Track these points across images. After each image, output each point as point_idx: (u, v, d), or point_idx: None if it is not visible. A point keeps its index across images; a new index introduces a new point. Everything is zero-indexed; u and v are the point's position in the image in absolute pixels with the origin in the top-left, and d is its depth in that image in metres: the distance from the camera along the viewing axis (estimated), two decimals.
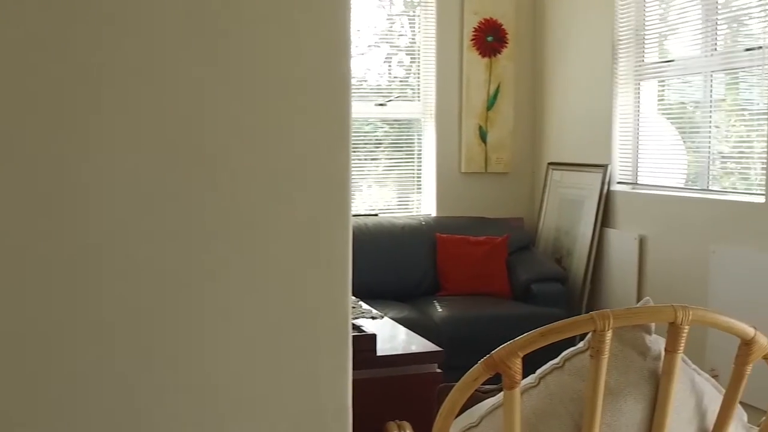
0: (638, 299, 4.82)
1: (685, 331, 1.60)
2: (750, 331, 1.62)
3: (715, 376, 1.86)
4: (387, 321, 3.24)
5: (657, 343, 1.71)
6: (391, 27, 6.05)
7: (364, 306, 3.47)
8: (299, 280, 1.00)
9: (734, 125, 4.42)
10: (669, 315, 1.59)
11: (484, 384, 1.67)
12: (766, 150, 3.88)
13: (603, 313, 1.58)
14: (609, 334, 1.58)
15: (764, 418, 1.82)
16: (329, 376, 1.01)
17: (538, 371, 1.73)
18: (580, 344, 1.75)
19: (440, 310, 4.96)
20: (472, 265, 5.35)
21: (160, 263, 0.95)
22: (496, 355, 1.59)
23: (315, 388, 1.01)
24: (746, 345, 1.64)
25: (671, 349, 1.62)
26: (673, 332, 1.60)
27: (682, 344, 1.61)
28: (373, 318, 3.25)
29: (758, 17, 4.05)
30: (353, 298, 3.65)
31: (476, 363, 1.62)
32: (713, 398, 1.74)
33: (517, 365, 1.59)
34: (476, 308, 5.02)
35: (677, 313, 1.58)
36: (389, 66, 6.07)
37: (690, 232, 4.38)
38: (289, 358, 1.00)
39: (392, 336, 3.04)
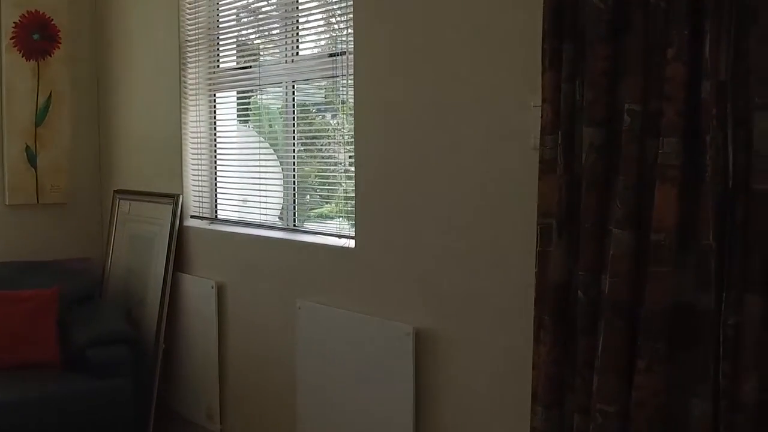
0: (220, 360, 3.93)
1: None
2: None
3: None
4: None
5: None
6: None
7: None
8: None
9: (322, 149, 3.68)
10: None
11: None
12: (354, 179, 3.14)
13: None
14: None
15: None
16: None
17: None
18: None
19: None
20: (14, 328, 4.13)
21: None
22: None
23: None
24: None
25: None
26: None
27: None
28: None
29: (341, 22, 3.33)
30: None
31: None
32: None
33: None
34: (15, 388, 3.83)
35: None
36: None
37: (275, 280, 3.57)
38: None
39: None
